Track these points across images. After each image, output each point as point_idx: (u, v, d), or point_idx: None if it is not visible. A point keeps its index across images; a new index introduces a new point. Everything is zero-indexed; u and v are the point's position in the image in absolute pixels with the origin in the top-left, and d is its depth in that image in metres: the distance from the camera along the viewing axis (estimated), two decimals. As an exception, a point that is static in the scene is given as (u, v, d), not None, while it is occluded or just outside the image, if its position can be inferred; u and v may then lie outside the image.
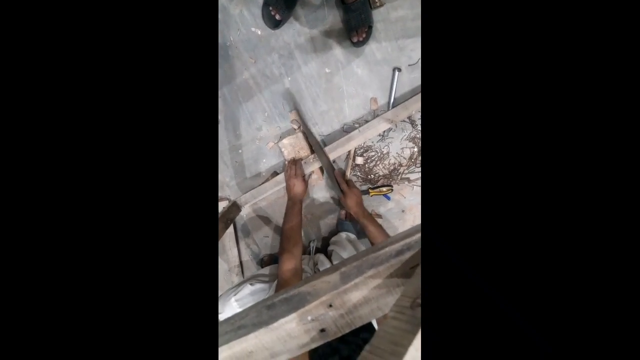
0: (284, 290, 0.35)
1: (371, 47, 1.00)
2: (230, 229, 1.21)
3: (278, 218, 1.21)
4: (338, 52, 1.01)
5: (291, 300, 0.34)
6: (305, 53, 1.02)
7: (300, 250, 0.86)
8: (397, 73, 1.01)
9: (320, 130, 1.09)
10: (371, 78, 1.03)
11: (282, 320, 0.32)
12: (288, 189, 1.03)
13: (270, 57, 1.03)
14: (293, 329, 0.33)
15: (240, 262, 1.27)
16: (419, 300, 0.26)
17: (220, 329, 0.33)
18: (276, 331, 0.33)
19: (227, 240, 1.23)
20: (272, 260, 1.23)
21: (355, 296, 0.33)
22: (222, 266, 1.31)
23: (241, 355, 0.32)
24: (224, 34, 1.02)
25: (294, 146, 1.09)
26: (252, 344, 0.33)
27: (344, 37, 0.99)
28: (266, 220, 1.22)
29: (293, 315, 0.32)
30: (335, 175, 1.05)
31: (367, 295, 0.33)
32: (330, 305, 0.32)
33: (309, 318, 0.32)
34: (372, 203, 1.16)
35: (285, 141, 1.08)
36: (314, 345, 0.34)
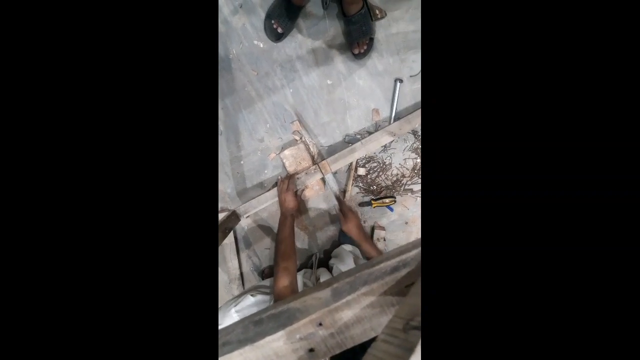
0: (272, 306, 0.33)
1: (373, 58, 1.01)
2: (231, 239, 1.20)
3: (279, 229, 1.19)
4: (340, 63, 1.02)
5: (279, 316, 0.32)
6: (307, 65, 1.03)
7: (294, 264, 0.84)
8: (398, 84, 1.01)
9: (321, 141, 1.09)
10: (373, 89, 1.03)
11: (268, 338, 0.31)
12: (280, 203, 1.02)
13: (272, 69, 1.04)
14: (280, 348, 0.31)
15: (241, 274, 1.25)
16: (413, 323, 0.24)
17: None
18: (262, 349, 0.31)
19: (227, 251, 1.21)
20: (272, 272, 1.20)
21: (347, 315, 0.31)
22: (223, 277, 1.29)
23: (224, 375, 0.30)
24: (226, 47, 1.03)
25: (295, 157, 1.08)
26: (253, 355, 0.31)
27: (346, 49, 1.00)
28: (267, 231, 1.21)
29: (281, 333, 0.30)
30: (336, 199, 1.04)
31: (360, 314, 0.31)
32: (320, 324, 0.30)
33: (298, 337, 0.31)
34: (375, 215, 1.14)
35: (286, 152, 1.08)
36: (302, 366, 0.32)
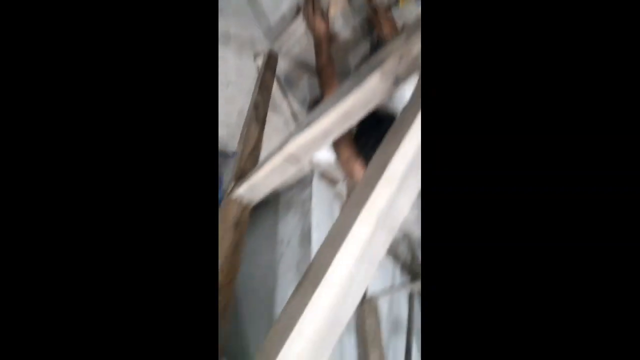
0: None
1: None
2: (275, 84, 1.32)
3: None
4: None
5: (373, 61, 0.47)
6: None
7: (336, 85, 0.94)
8: None
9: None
10: None
11: (367, 80, 0.46)
12: (310, 29, 1.03)
13: None
14: (375, 85, 0.47)
15: (293, 113, 1.44)
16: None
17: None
18: (364, 90, 0.47)
19: (276, 96, 1.36)
20: (318, 101, 1.36)
21: (416, 48, 0.44)
22: (278, 121, 1.50)
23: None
24: None
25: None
26: (351, 103, 0.48)
27: None
28: (305, 64, 1.29)
29: (375, 74, 0.46)
30: None
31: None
32: (401, 58, 0.44)
33: (386, 71, 0.45)
34: (404, 14, 1.13)
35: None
36: (387, 95, 0.48)
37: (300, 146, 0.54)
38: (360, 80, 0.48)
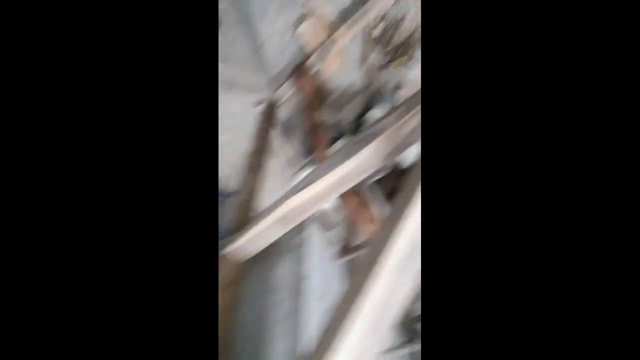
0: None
1: None
2: (275, 129, 1.36)
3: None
4: None
5: (369, 131, 0.49)
6: None
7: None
8: None
9: (331, 8, 1.08)
10: None
11: (363, 150, 0.48)
12: (299, 91, 1.09)
13: None
14: (371, 155, 0.49)
15: (290, 158, 1.46)
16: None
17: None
18: (358, 159, 0.49)
19: (275, 141, 1.39)
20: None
21: (414, 121, 0.46)
22: (278, 164, 1.52)
23: None
24: None
25: (315, 28, 1.09)
26: (345, 170, 0.50)
27: None
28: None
29: (371, 145, 0.48)
30: None
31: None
32: (398, 130, 0.47)
33: (383, 144, 0.48)
34: (395, 75, 1.22)
35: (302, 28, 1.09)
36: (382, 166, 0.50)
37: (293, 208, 0.55)
38: (355, 149, 0.50)
